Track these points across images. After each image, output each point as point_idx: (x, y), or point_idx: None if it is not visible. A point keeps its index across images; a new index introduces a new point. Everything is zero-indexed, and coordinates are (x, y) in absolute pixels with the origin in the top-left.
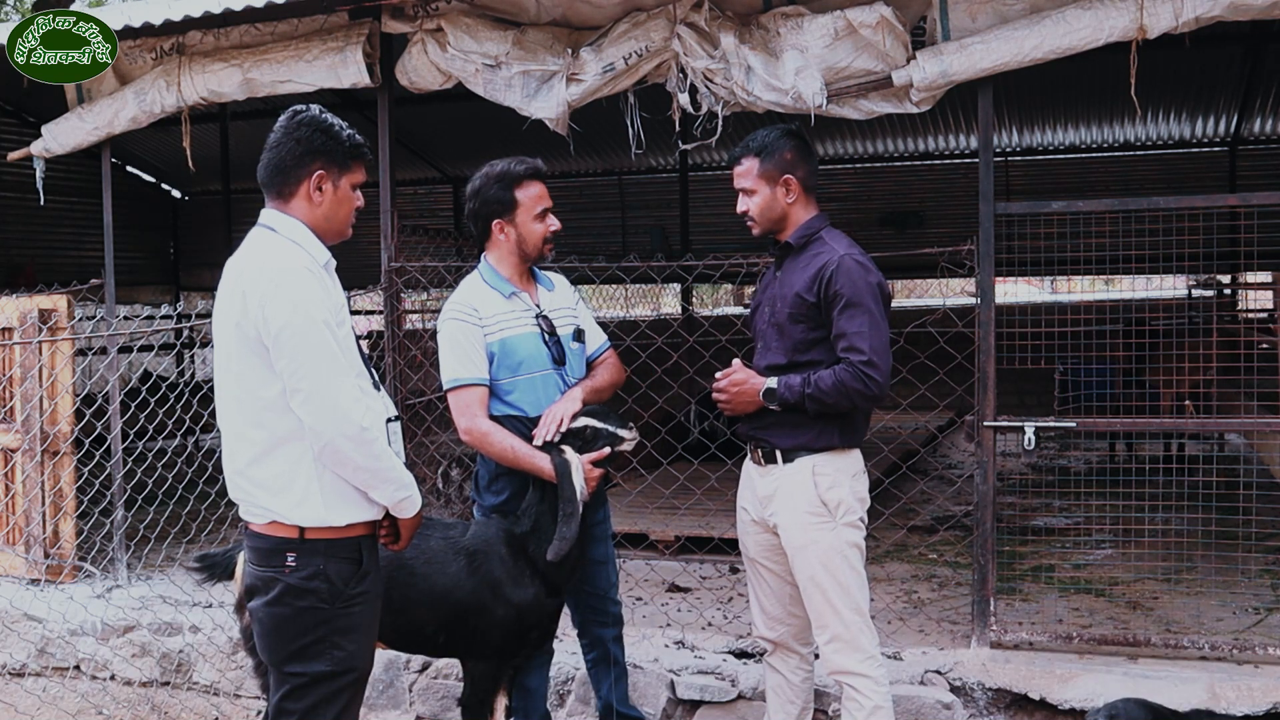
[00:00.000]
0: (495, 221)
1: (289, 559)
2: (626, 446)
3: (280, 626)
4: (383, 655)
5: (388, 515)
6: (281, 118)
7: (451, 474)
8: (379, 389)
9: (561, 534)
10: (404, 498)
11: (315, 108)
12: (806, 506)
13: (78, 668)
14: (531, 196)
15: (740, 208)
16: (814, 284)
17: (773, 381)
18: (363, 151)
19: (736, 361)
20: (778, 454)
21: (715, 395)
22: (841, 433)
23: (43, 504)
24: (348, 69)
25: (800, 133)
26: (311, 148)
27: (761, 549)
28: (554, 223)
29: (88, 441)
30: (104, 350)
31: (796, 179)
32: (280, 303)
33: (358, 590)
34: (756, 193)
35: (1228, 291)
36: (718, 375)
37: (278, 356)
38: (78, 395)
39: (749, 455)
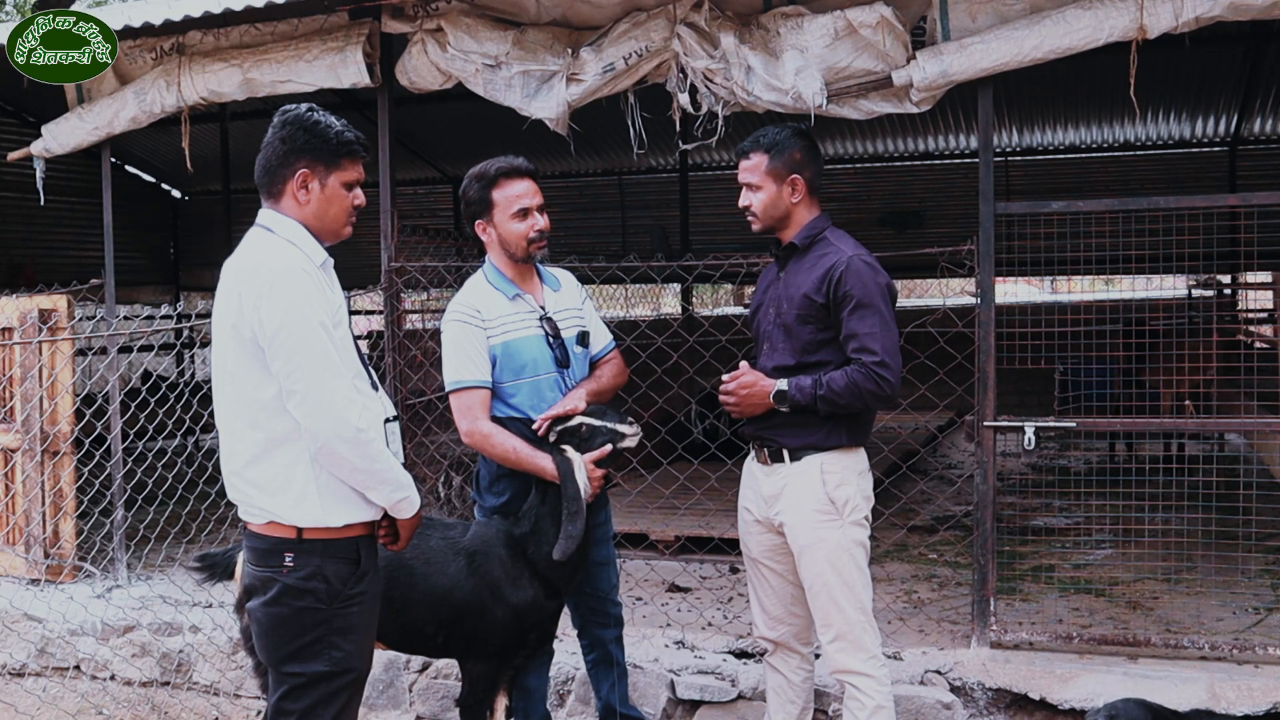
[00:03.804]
0: (477, 223)
1: (287, 559)
2: (629, 443)
3: (278, 627)
4: (382, 655)
5: (387, 515)
6: (274, 118)
7: (453, 479)
8: (377, 389)
9: (567, 532)
10: (401, 498)
11: (304, 106)
12: (814, 505)
13: (78, 668)
14: (508, 196)
15: (743, 202)
16: (822, 285)
17: (783, 383)
18: (354, 149)
19: (744, 364)
20: (785, 453)
21: (722, 398)
22: (850, 432)
23: (43, 504)
24: (348, 69)
25: (809, 134)
26: (295, 146)
27: (764, 549)
28: (538, 221)
29: (88, 441)
30: (104, 350)
31: (803, 179)
32: (275, 304)
33: (356, 590)
34: (762, 189)
35: (1228, 291)
36: (725, 377)
37: (273, 358)
38: (78, 395)
39: (753, 455)
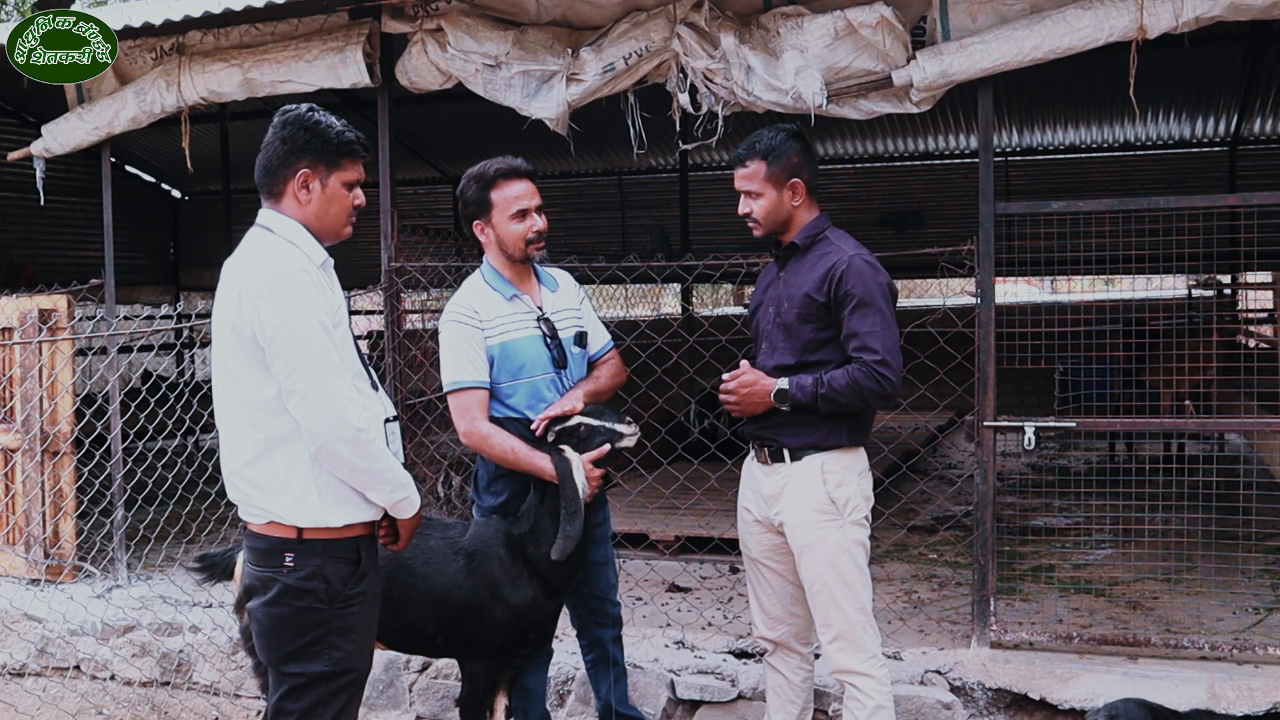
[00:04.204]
0: (475, 223)
1: (287, 559)
2: (628, 443)
3: (278, 627)
4: (382, 655)
5: (387, 515)
6: (274, 118)
7: (452, 479)
8: (377, 389)
9: (565, 532)
10: (401, 499)
11: (304, 106)
12: (815, 504)
13: (78, 668)
14: (507, 197)
15: (743, 209)
16: (823, 284)
17: (784, 382)
18: (354, 149)
19: (744, 363)
20: (785, 453)
21: (723, 397)
22: (850, 431)
23: (43, 504)
24: (348, 69)
25: (803, 134)
26: (296, 147)
27: (764, 549)
28: (536, 222)
29: (88, 441)
30: (104, 350)
31: (803, 182)
32: (275, 304)
33: (356, 590)
34: (763, 196)
35: (1228, 291)
36: (725, 377)
37: (273, 358)
38: (78, 395)
39: (753, 455)
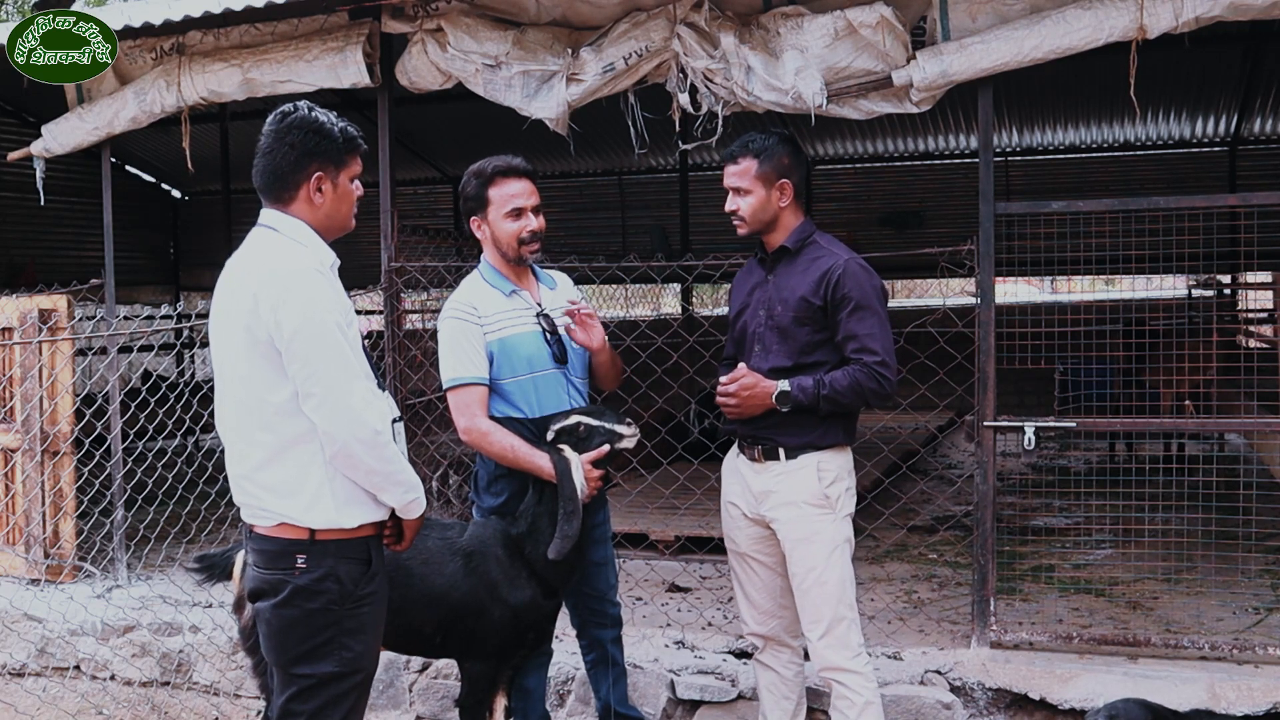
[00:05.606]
0: (472, 219)
1: (299, 561)
2: (627, 444)
3: (289, 628)
4: (382, 655)
5: (392, 515)
6: (269, 120)
7: (450, 478)
8: (383, 390)
9: (563, 532)
10: (412, 499)
11: (303, 106)
12: (810, 499)
13: (78, 668)
14: (504, 195)
15: (729, 206)
16: (820, 287)
17: (785, 384)
18: (358, 144)
19: (741, 366)
20: (780, 451)
21: (721, 400)
22: (844, 430)
23: (43, 504)
24: (348, 69)
25: (794, 139)
26: (306, 150)
27: (752, 542)
28: (531, 222)
29: (88, 441)
30: (104, 350)
31: (791, 184)
32: (293, 306)
33: (367, 591)
34: (751, 193)
35: (1228, 291)
36: (724, 380)
37: (290, 360)
38: (78, 395)
39: (740, 452)
